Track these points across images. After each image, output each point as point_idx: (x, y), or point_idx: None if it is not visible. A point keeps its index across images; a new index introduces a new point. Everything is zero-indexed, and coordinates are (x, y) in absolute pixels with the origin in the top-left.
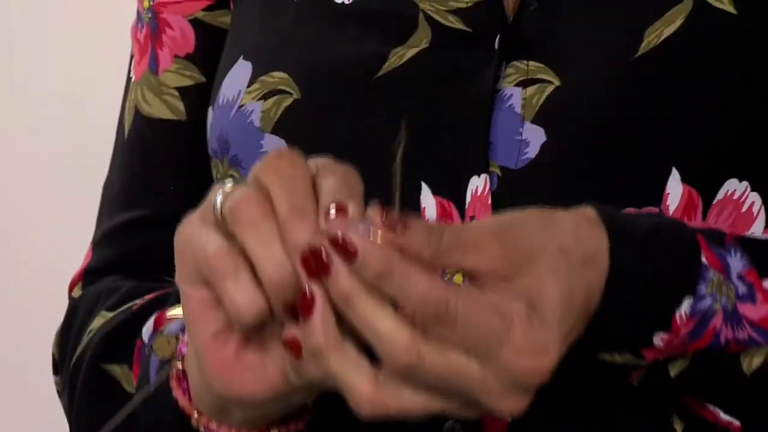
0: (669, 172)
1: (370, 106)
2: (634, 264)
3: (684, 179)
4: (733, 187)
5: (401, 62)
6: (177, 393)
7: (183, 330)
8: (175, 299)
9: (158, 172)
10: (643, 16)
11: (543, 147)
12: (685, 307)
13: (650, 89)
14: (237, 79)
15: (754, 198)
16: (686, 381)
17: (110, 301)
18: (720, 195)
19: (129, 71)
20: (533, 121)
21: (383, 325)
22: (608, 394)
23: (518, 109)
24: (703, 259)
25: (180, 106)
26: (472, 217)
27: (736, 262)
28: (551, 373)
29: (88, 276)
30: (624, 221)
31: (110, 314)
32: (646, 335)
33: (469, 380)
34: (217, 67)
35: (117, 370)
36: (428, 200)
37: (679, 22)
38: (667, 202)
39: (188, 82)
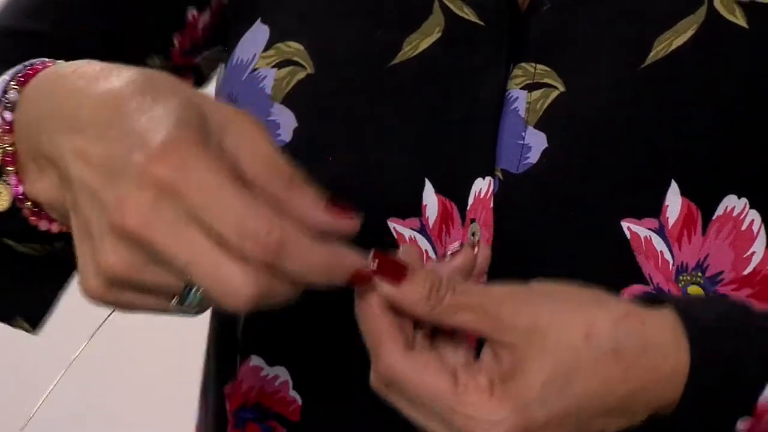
0: (668, 185)
1: (381, 94)
2: (711, 353)
3: (683, 192)
4: (733, 203)
5: (414, 53)
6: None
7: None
8: None
9: None
10: (654, 24)
11: (544, 153)
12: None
13: (654, 100)
14: (253, 41)
15: (754, 216)
16: None
17: None
18: (719, 210)
19: None
20: (536, 126)
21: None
22: None
23: (522, 113)
24: None
25: None
26: (472, 219)
27: None
28: None
29: None
30: (693, 309)
31: None
32: (729, 423)
33: None
34: None
35: None
36: (430, 198)
37: (689, 33)
38: (667, 215)
39: None
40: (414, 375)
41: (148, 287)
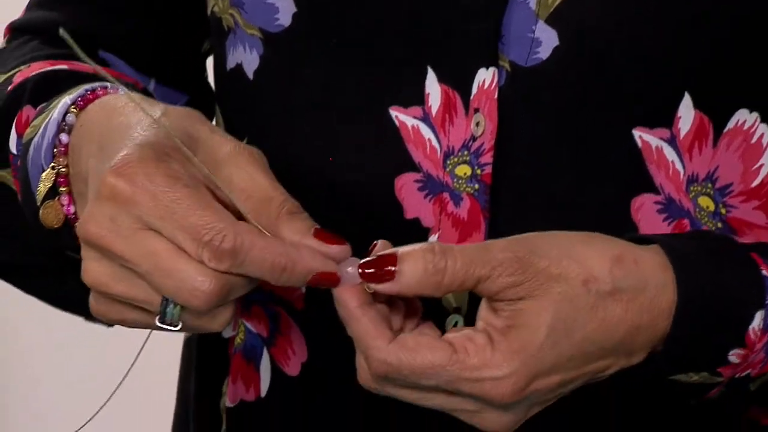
0: (681, 97)
1: None
2: (700, 288)
3: (696, 105)
4: (744, 117)
5: None
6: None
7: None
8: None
9: None
10: None
11: (555, 50)
12: (757, 321)
13: (669, 10)
14: None
15: (764, 130)
16: (763, 394)
17: (10, 63)
18: (731, 124)
19: None
20: (547, 21)
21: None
22: (676, 412)
23: (533, 6)
24: (764, 273)
25: None
26: (476, 109)
27: None
28: (517, 393)
29: (13, 32)
30: (681, 247)
31: (3, 76)
32: (721, 354)
33: (446, 409)
34: None
35: None
36: (433, 87)
37: None
38: (679, 125)
39: None
40: (410, 359)
41: (125, 300)
